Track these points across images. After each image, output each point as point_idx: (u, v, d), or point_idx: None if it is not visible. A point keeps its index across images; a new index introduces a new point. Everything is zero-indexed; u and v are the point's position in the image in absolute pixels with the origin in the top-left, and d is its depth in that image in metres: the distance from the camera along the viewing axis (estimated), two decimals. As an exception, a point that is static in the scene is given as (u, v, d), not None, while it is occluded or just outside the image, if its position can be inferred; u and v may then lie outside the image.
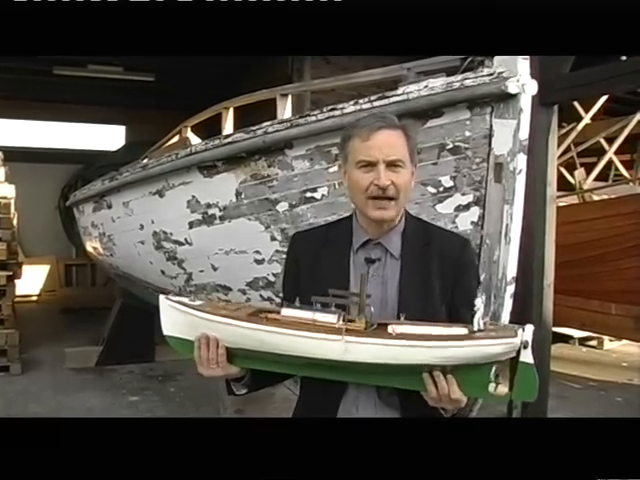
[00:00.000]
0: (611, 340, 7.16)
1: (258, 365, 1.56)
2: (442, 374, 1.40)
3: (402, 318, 1.48)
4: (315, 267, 1.66)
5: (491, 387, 1.40)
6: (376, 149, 1.54)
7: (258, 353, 1.51)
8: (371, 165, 1.55)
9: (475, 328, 1.39)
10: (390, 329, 1.44)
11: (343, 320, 1.45)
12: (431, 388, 1.41)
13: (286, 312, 1.51)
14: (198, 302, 1.60)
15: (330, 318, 1.45)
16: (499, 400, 1.45)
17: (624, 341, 6.97)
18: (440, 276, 1.60)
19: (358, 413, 1.58)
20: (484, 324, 1.39)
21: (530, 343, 1.36)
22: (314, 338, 1.43)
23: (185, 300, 1.60)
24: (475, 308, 1.39)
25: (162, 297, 1.60)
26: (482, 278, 2.39)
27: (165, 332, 1.61)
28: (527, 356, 1.37)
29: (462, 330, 1.42)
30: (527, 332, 1.36)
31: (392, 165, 1.55)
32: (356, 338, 1.42)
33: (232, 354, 1.55)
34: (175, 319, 1.58)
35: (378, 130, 1.55)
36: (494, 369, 1.40)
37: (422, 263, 1.61)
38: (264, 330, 1.47)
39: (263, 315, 1.52)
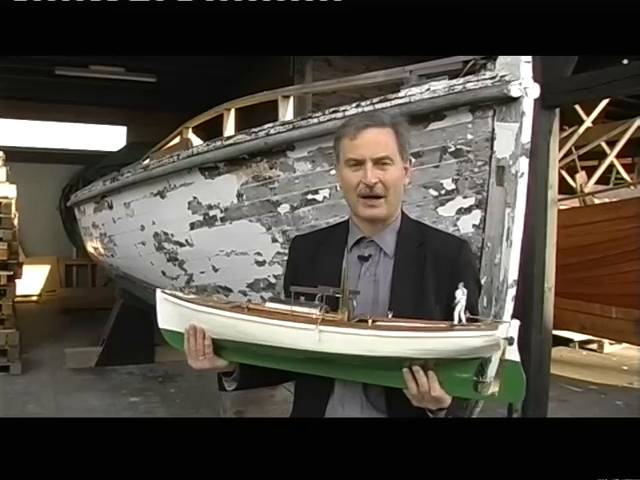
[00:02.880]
0: (611, 343, 7.15)
1: (244, 358, 1.58)
2: (422, 370, 1.38)
3: (390, 315, 1.47)
4: (311, 266, 1.68)
5: (474, 385, 1.38)
6: (362, 147, 1.57)
7: (241, 344, 1.54)
8: (359, 164, 1.58)
9: (455, 321, 1.36)
10: (369, 322, 1.44)
11: (325, 312, 1.46)
12: (411, 384, 1.40)
13: (269, 305, 1.54)
14: (191, 296, 1.65)
15: (310, 310, 1.47)
16: (485, 400, 1.43)
17: (624, 344, 6.95)
18: (435, 276, 1.59)
19: (344, 411, 1.59)
20: (469, 319, 1.37)
21: (516, 339, 1.32)
22: (289, 327, 1.45)
23: (178, 293, 1.65)
24: (455, 301, 1.37)
25: (158, 290, 1.66)
26: (483, 281, 2.39)
27: (160, 325, 1.66)
28: (513, 353, 1.33)
29: (443, 325, 1.39)
30: (512, 328, 1.32)
31: (380, 163, 1.57)
32: (330, 327, 1.42)
33: (220, 347, 1.58)
34: (168, 312, 1.63)
35: (365, 129, 1.58)
36: (479, 367, 1.37)
37: (416, 263, 1.61)
38: (243, 319, 1.50)
39: (244, 306, 1.56)
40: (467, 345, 1.34)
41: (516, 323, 1.33)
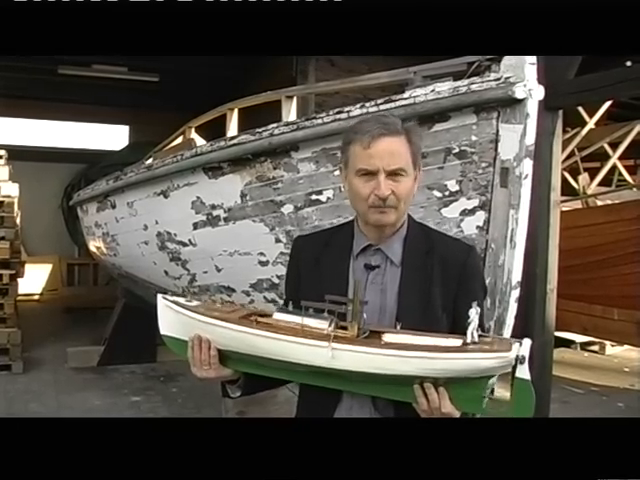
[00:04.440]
0: (613, 345, 7.14)
1: (251, 369, 1.55)
2: (433, 386, 1.37)
3: (398, 327, 1.45)
4: (315, 271, 1.65)
5: (485, 403, 1.38)
6: (377, 158, 1.50)
7: (249, 356, 1.51)
8: (371, 174, 1.51)
9: (468, 340, 1.35)
10: (383, 340, 1.42)
11: (335, 326, 1.43)
12: (422, 400, 1.38)
13: (278, 316, 1.50)
14: (194, 303, 1.60)
15: (320, 324, 1.44)
16: (495, 416, 1.43)
17: (626, 346, 6.95)
18: (442, 284, 1.56)
19: None
20: (479, 336, 1.36)
21: (527, 358, 1.31)
22: (301, 344, 1.42)
23: (181, 300, 1.60)
24: (469, 320, 1.35)
25: (159, 296, 1.61)
26: (487, 282, 2.39)
27: (161, 331, 1.62)
28: (523, 372, 1.33)
29: (457, 342, 1.38)
30: (524, 347, 1.32)
31: (393, 174, 1.51)
32: (343, 345, 1.40)
33: (225, 356, 1.55)
34: (170, 319, 1.59)
35: (379, 137, 1.50)
36: (489, 384, 1.37)
37: (423, 271, 1.57)
38: (253, 334, 1.46)
39: (253, 318, 1.51)
40: (480, 366, 1.33)
41: (528, 342, 1.33)
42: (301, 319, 1.46)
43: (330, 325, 1.44)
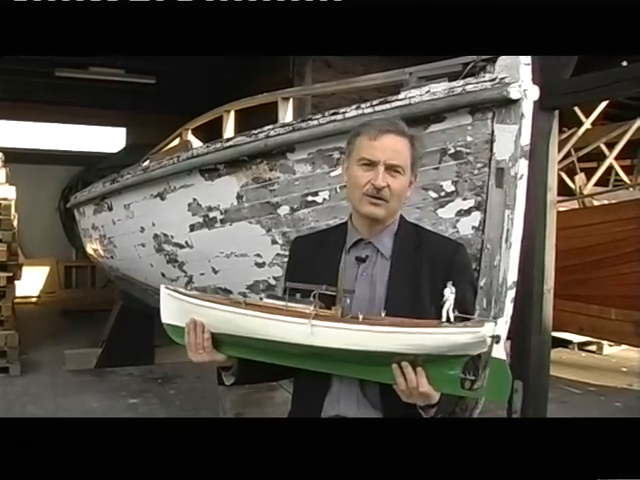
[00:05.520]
0: (610, 345, 7.15)
1: (242, 353, 1.62)
2: (411, 366, 1.42)
3: (383, 314, 1.50)
4: (310, 267, 1.72)
5: (461, 382, 1.41)
6: (380, 150, 1.60)
7: (239, 338, 1.58)
8: (372, 164, 1.61)
9: (443, 319, 1.40)
10: (360, 318, 1.48)
11: (320, 309, 1.50)
12: (400, 380, 1.43)
13: (266, 301, 1.59)
14: (193, 292, 1.70)
15: (304, 307, 1.51)
16: (471, 397, 1.45)
17: (623, 346, 6.96)
18: (430, 278, 1.62)
19: (340, 407, 1.63)
20: (460, 318, 1.40)
21: (502, 338, 1.36)
22: (282, 321, 1.50)
23: (180, 289, 1.70)
24: (444, 299, 1.40)
25: (162, 287, 1.70)
26: (483, 283, 2.40)
27: (163, 319, 1.70)
28: (499, 351, 1.37)
29: (431, 322, 1.44)
30: (499, 327, 1.36)
31: (391, 169, 1.60)
32: (322, 322, 1.46)
33: (219, 341, 1.62)
34: (171, 307, 1.67)
35: (386, 133, 1.61)
36: (470, 365, 1.41)
37: (412, 264, 1.64)
38: (239, 313, 1.55)
39: (242, 301, 1.60)
40: (453, 342, 1.37)
41: (502, 322, 1.38)
42: (285, 302, 1.54)
43: (313, 307, 1.50)
